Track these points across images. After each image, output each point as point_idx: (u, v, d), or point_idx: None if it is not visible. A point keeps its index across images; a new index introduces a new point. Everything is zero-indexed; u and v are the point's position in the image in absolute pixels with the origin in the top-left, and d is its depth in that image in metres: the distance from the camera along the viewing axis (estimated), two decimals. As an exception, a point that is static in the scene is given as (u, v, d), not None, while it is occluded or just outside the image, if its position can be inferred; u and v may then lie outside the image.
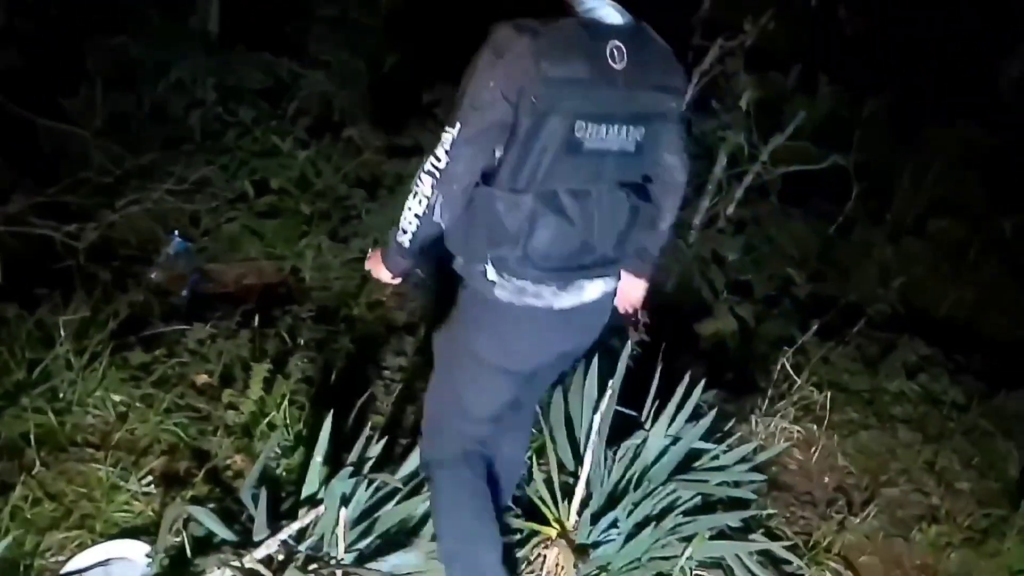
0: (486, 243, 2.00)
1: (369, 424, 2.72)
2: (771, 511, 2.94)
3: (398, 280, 2.23)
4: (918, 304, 5.75)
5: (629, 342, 2.86)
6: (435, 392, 2.32)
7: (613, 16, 1.99)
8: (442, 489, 2.26)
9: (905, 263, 6.11)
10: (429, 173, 1.95)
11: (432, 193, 1.96)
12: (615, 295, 2.28)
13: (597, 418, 2.25)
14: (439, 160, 1.94)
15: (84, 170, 5.00)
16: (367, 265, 2.27)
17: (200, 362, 3.29)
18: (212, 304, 4.36)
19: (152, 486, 2.50)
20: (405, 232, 2.05)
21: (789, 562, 2.64)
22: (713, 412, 2.64)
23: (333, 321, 4.16)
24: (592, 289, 2.11)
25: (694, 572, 2.43)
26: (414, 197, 2.00)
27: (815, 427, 3.56)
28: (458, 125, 1.91)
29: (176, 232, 4.80)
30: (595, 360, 2.69)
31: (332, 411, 2.40)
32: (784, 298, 5.09)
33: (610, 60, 1.92)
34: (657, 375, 2.67)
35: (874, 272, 5.78)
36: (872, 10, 6.21)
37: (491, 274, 2.03)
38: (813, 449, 3.48)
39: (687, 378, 2.65)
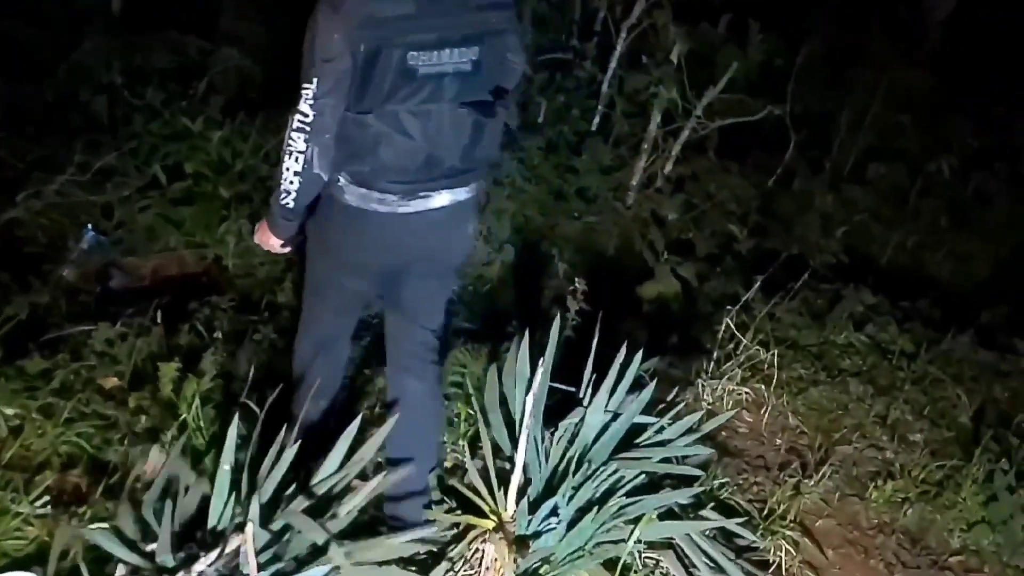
0: (342, 159, 2.16)
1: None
2: (722, 480, 2.80)
3: (288, 249, 2.37)
4: (861, 252, 5.69)
5: (560, 314, 2.67)
6: (308, 275, 2.55)
7: None
8: (302, 355, 2.60)
9: (846, 211, 6.04)
10: (299, 130, 2.07)
11: (306, 147, 2.08)
12: (470, 205, 2.41)
13: (529, 399, 2.07)
14: (306, 116, 2.05)
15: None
16: (256, 238, 2.40)
17: (109, 364, 3.05)
18: (128, 300, 4.11)
19: (48, 507, 2.26)
20: (288, 193, 2.15)
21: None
22: (654, 384, 2.48)
23: (256, 310, 3.93)
24: (439, 199, 2.29)
25: (644, 555, 2.28)
26: (289, 157, 2.11)
27: (763, 387, 3.44)
28: (315, 80, 2.03)
29: (89, 225, 4.51)
30: (526, 335, 2.51)
31: (237, 412, 2.19)
32: (726, 256, 4.98)
33: None
34: (594, 346, 2.50)
35: (816, 222, 5.68)
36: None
37: (342, 181, 2.21)
38: (763, 410, 3.36)
39: (624, 347, 2.48)
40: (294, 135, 2.08)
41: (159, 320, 3.27)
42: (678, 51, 4.90)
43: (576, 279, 3.35)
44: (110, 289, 4.15)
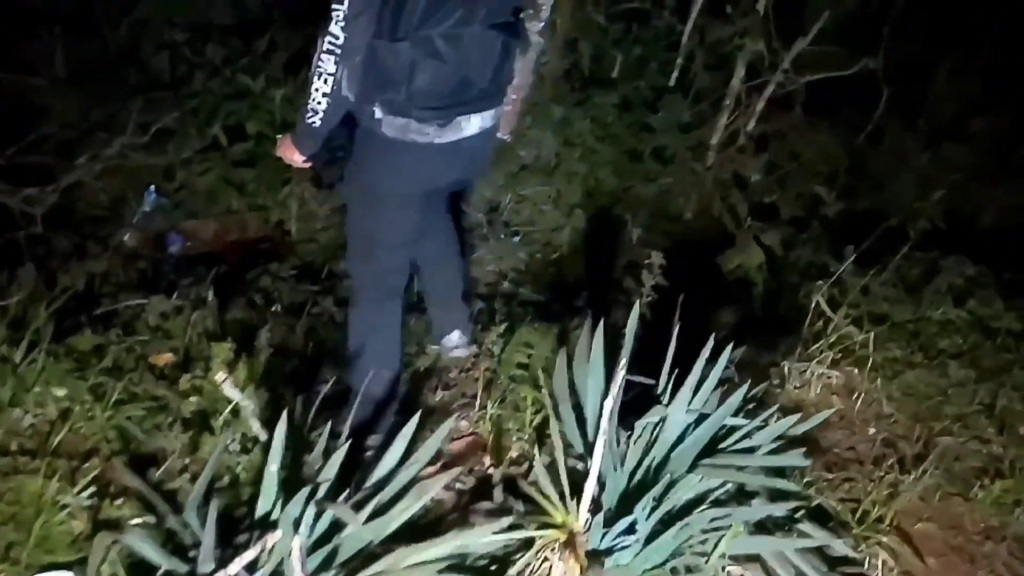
0: (375, 88, 2.22)
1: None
2: (809, 479, 2.56)
3: (308, 163, 2.42)
4: (961, 215, 5.27)
5: (636, 297, 2.45)
6: (352, 229, 2.67)
7: None
8: (363, 316, 2.71)
9: (944, 170, 5.60)
10: (329, 52, 2.09)
11: (336, 69, 2.11)
12: (496, 130, 2.58)
13: (608, 404, 1.86)
14: (337, 37, 2.07)
15: (45, 125, 4.64)
16: (277, 151, 2.46)
17: (162, 339, 2.93)
18: (188, 267, 4.02)
19: (94, 498, 2.16)
20: (316, 112, 2.19)
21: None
22: (744, 387, 2.23)
23: (317, 279, 3.80)
24: (471, 125, 2.40)
25: (726, 569, 2.07)
26: (319, 78, 2.13)
27: (856, 370, 3.16)
28: (346, 1, 2.04)
29: (152, 187, 4.43)
30: (600, 325, 2.29)
31: (287, 407, 2.03)
32: (813, 220, 4.64)
33: None
34: (674, 336, 2.27)
35: (910, 184, 5.28)
36: None
37: (378, 113, 2.27)
38: (855, 396, 3.09)
39: (711, 342, 2.24)
40: (324, 57, 2.11)
41: (215, 292, 3.12)
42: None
43: (652, 252, 3.10)
44: (170, 255, 4.06)
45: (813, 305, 3.27)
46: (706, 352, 2.20)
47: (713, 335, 2.24)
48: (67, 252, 3.73)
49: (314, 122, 2.21)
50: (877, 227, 4.81)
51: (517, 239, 4.26)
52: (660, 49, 5.00)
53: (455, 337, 3.08)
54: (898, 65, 5.52)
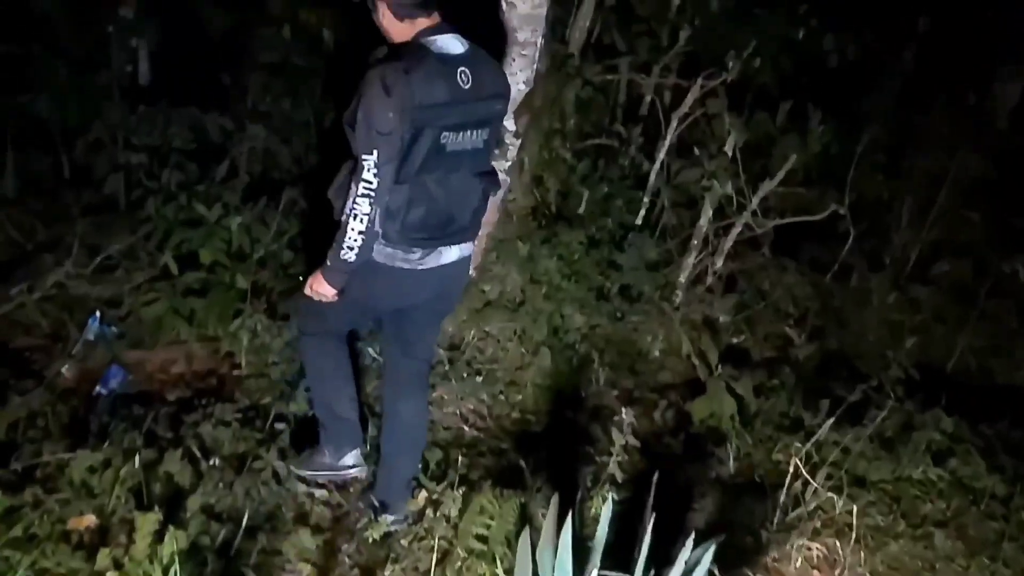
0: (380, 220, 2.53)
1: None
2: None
3: (337, 297, 2.70)
4: (929, 360, 5.20)
5: (611, 490, 2.25)
6: (302, 302, 2.94)
7: (457, 47, 2.56)
8: (307, 352, 3.13)
9: (911, 311, 5.57)
10: (365, 195, 2.44)
11: (371, 210, 2.46)
12: (470, 260, 2.91)
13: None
14: (370, 183, 2.43)
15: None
16: (309, 289, 2.73)
17: (85, 499, 2.67)
18: (128, 404, 3.76)
19: None
20: (352, 249, 2.52)
21: None
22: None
23: (264, 422, 3.55)
24: (451, 253, 2.72)
25: None
26: (355, 219, 2.47)
27: (836, 542, 2.96)
28: (374, 151, 2.40)
29: (97, 313, 4.20)
30: (567, 517, 2.08)
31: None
32: (784, 366, 4.52)
33: (460, 83, 2.52)
34: (649, 531, 2.06)
35: (879, 325, 5.22)
36: (861, 39, 5.69)
37: (376, 248, 2.59)
38: (838, 571, 2.88)
39: (690, 544, 2.03)
40: (360, 200, 2.44)
41: (150, 440, 2.87)
42: (733, 142, 4.53)
43: (624, 409, 2.93)
44: (107, 393, 3.80)
45: (791, 469, 3.09)
46: (685, 554, 1.99)
47: (693, 533, 2.02)
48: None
49: (349, 258, 2.53)
50: (848, 371, 4.72)
51: (479, 379, 4.07)
52: (626, 187, 4.96)
53: (390, 519, 3.01)
54: (862, 204, 5.56)
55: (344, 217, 2.49)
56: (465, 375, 4.05)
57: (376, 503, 3.05)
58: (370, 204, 2.44)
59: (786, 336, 4.95)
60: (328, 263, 2.59)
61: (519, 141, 3.92)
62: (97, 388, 3.84)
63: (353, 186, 2.44)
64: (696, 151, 4.53)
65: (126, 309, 4.28)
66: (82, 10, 4.43)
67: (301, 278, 3.10)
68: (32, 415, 3.30)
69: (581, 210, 4.84)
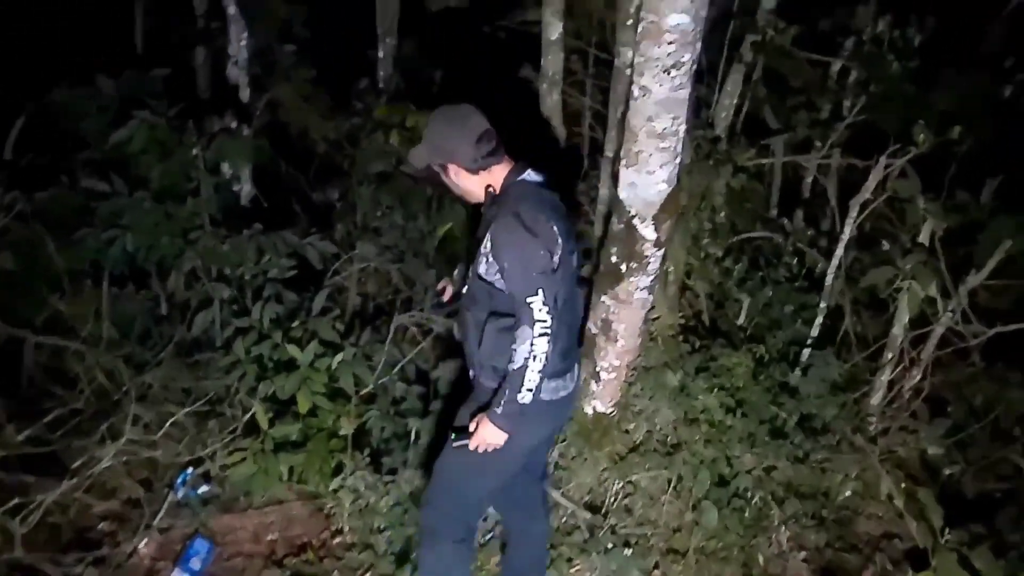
0: None
1: None
2: None
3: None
4: None
5: None
6: (449, 468, 2.77)
7: (536, 175, 2.64)
8: (441, 558, 2.81)
9: None
10: (543, 335, 2.45)
11: (549, 347, 2.46)
12: None
13: None
14: (546, 322, 2.45)
15: (71, 397, 4.00)
16: (477, 444, 2.59)
17: None
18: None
19: None
20: (531, 392, 2.49)
21: None
22: None
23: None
24: (577, 371, 2.80)
25: None
26: (535, 360, 2.46)
27: None
28: (539, 291, 2.44)
29: (188, 471, 3.67)
30: None
31: None
32: (1011, 507, 3.48)
33: (561, 206, 2.64)
34: None
35: None
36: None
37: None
38: None
39: None
40: (538, 340, 2.44)
41: None
42: (931, 230, 3.62)
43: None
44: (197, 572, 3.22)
45: None
46: None
47: None
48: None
49: (527, 400, 2.49)
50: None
51: (629, 551, 3.25)
52: (796, 291, 4.09)
53: None
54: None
55: (522, 362, 2.45)
56: (610, 545, 3.24)
57: None
58: (548, 342, 2.44)
59: (1016, 466, 3.89)
60: (500, 410, 2.52)
61: (661, 251, 3.17)
62: (174, 571, 3.26)
63: (525, 330, 2.44)
64: (884, 244, 3.63)
65: (215, 467, 3.76)
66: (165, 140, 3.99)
67: (453, 437, 2.72)
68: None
69: (741, 321, 4.00)
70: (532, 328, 2.42)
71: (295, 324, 3.84)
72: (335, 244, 4.52)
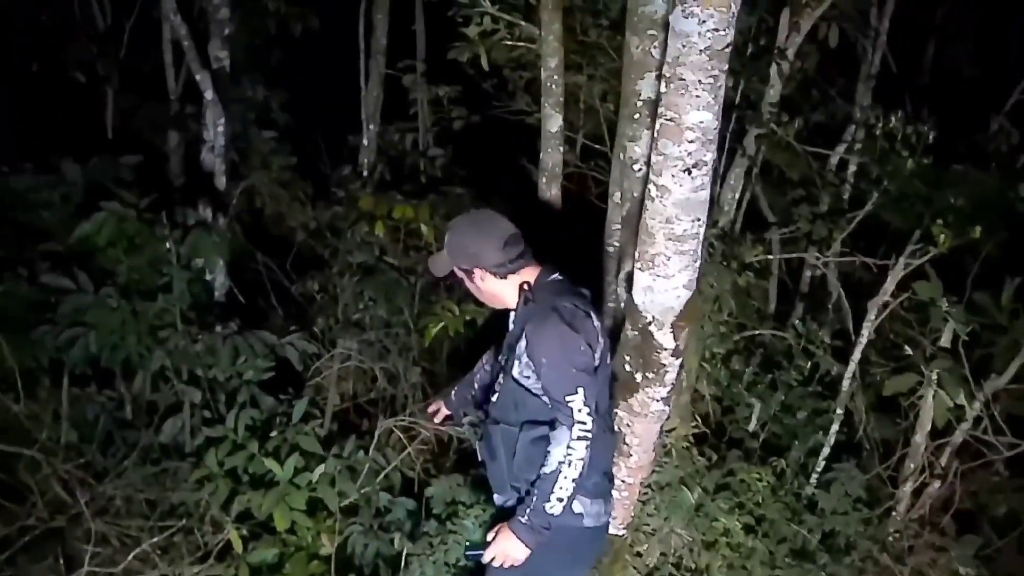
0: (587, 474, 2.33)
1: None
2: None
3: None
4: None
5: None
6: None
7: (559, 275, 2.54)
8: None
9: None
10: (582, 438, 2.27)
11: (586, 453, 2.27)
12: None
13: None
14: (585, 423, 2.27)
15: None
16: (494, 556, 2.37)
17: None
18: None
19: None
20: (560, 500, 2.28)
21: None
22: None
23: None
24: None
25: None
26: (570, 466, 2.26)
27: None
28: (580, 390, 2.28)
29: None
30: None
31: None
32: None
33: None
34: None
35: None
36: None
37: (577, 507, 2.39)
38: None
39: None
40: (576, 444, 2.26)
41: None
42: (953, 334, 3.43)
43: None
44: None
45: None
46: None
47: None
48: None
49: (556, 511, 2.28)
50: None
51: None
52: (808, 395, 3.86)
53: None
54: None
55: (555, 466, 2.27)
56: None
57: None
58: (586, 447, 2.27)
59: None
60: (524, 519, 2.31)
61: (679, 360, 2.93)
62: None
63: (562, 432, 2.27)
64: (907, 349, 3.42)
65: (179, 598, 3.40)
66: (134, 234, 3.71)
67: (467, 546, 2.58)
68: None
69: (752, 427, 3.76)
70: (571, 430, 2.26)
71: (273, 434, 3.52)
72: (315, 338, 4.24)
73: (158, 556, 3.46)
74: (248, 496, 3.37)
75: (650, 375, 2.93)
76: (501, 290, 2.49)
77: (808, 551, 3.36)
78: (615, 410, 3.01)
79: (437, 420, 2.92)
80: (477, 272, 2.48)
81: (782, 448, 3.67)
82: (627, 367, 2.97)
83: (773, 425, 3.77)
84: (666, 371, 2.93)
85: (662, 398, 2.98)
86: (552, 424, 2.33)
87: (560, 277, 2.53)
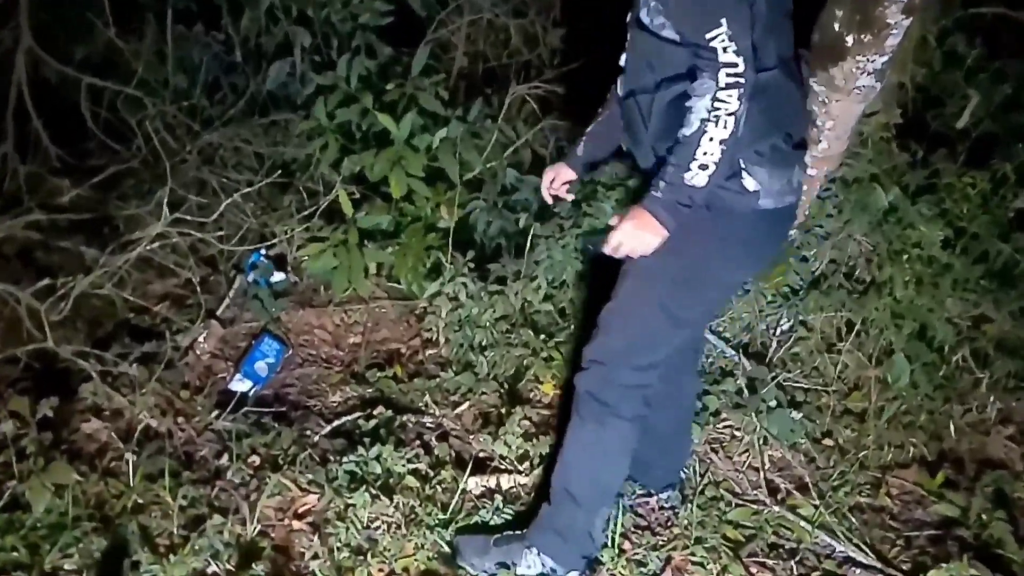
0: (746, 144, 1.75)
1: None
2: None
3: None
4: None
5: None
6: (630, 324, 1.93)
7: None
8: (605, 439, 1.99)
9: None
10: (733, 85, 1.65)
11: (740, 106, 1.66)
12: None
13: None
14: (736, 64, 1.65)
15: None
16: (620, 240, 1.79)
17: None
18: (268, 405, 2.62)
19: None
20: (706, 168, 1.70)
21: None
22: None
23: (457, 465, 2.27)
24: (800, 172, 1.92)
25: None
26: (717, 123, 1.67)
27: None
28: (723, 21, 1.63)
29: (259, 254, 3.06)
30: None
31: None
32: None
33: None
34: None
35: None
36: None
37: (749, 182, 1.79)
38: None
39: None
40: (725, 93, 1.65)
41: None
42: None
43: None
44: (251, 385, 2.66)
45: None
46: None
47: None
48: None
49: (698, 182, 1.70)
50: None
51: (794, 413, 2.55)
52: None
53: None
54: None
55: (698, 125, 1.68)
56: (773, 403, 2.54)
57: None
58: (739, 97, 1.65)
59: None
60: (659, 193, 1.73)
61: (909, 21, 2.22)
62: (236, 376, 2.70)
63: (705, 82, 1.66)
64: None
65: (292, 253, 3.16)
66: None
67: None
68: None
69: (962, 124, 3.05)
70: (716, 78, 1.65)
71: (389, 87, 3.04)
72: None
73: (261, 210, 3.21)
74: (360, 155, 2.98)
75: (866, 37, 2.25)
76: None
77: (1010, 275, 2.79)
78: (809, 82, 2.36)
79: (555, 188, 2.16)
80: None
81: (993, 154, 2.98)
82: (836, 24, 2.29)
83: (990, 124, 3.05)
84: (889, 34, 2.24)
85: (876, 71, 2.31)
86: (692, 74, 1.71)
87: None
